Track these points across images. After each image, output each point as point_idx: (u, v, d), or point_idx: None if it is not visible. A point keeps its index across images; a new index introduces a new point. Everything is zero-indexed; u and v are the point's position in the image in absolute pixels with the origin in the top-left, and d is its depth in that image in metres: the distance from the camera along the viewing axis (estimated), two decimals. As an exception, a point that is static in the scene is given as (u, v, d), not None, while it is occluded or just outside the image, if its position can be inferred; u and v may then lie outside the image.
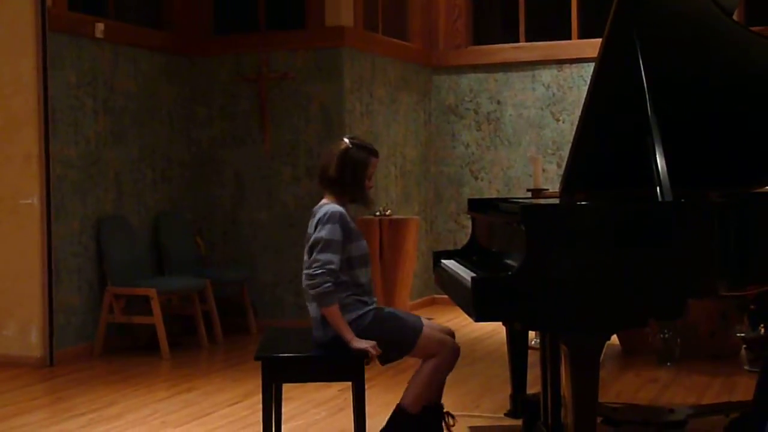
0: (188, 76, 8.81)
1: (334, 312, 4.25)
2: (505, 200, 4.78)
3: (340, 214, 4.31)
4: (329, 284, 4.19)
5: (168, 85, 8.69)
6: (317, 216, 4.34)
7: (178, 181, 8.73)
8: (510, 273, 3.76)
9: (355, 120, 8.65)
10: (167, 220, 8.46)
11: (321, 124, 8.56)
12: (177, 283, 7.86)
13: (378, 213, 8.48)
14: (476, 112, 9.95)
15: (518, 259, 3.81)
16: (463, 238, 9.48)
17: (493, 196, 9.43)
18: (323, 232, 4.24)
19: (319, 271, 4.21)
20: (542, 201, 5.19)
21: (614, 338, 6.76)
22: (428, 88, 10.04)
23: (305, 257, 4.35)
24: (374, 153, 4.44)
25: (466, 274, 4.16)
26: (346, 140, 4.42)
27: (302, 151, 8.65)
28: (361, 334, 4.31)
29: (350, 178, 4.38)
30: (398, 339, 4.38)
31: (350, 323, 4.30)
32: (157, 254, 8.44)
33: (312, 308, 4.39)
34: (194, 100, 8.83)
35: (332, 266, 4.20)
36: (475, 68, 9.88)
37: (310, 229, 4.38)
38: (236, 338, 8.46)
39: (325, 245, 4.24)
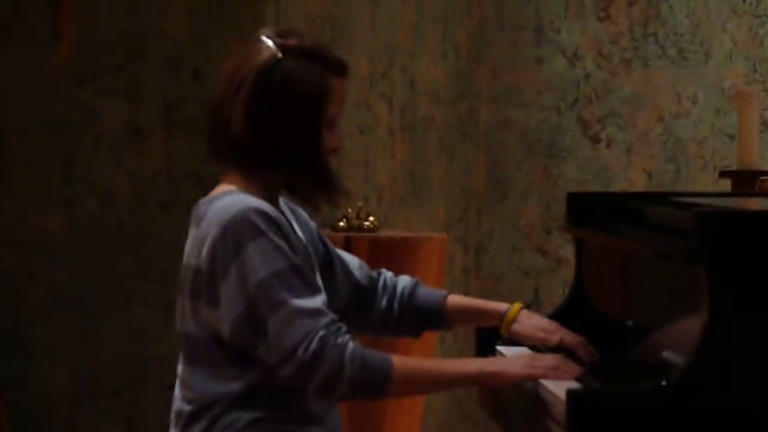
0: None
1: (408, 371, 3.35)
2: (664, 198, 3.97)
3: (258, 213, 3.30)
4: (343, 341, 3.28)
5: None
6: (204, 227, 3.35)
7: None
8: (665, 381, 3.00)
9: None
10: None
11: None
12: None
13: (342, 223, 6.18)
14: None
15: (688, 345, 3.06)
16: (555, 292, 7.37)
17: (637, 186, 7.33)
18: (248, 270, 3.31)
19: (307, 348, 3.27)
20: (756, 202, 4.23)
21: None
22: None
23: (184, 323, 3.41)
24: (338, 66, 3.43)
25: (554, 383, 3.32)
26: (269, 41, 3.42)
27: (153, 65, 6.39)
28: None
29: (284, 133, 3.39)
30: None
31: None
32: None
33: None
34: None
35: (323, 314, 3.30)
36: None
37: (192, 256, 3.36)
38: None
39: (271, 288, 3.31)
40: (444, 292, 3.64)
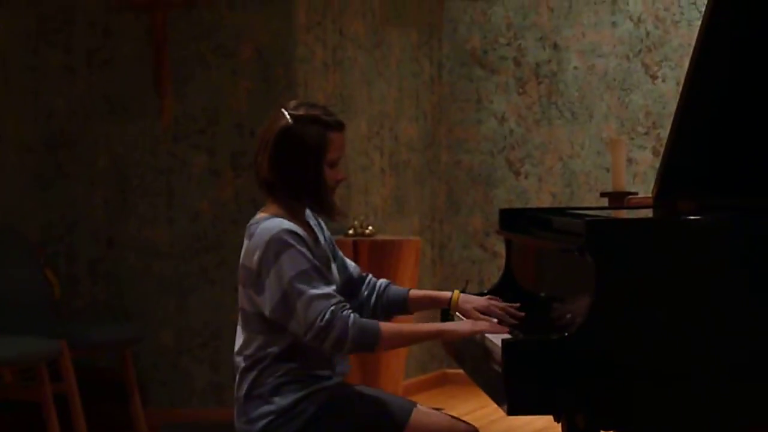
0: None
1: (390, 333, 3.22)
2: (563, 211, 3.93)
3: (288, 232, 3.24)
4: (347, 314, 3.17)
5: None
6: (254, 242, 3.30)
7: (14, 174, 6.76)
8: (567, 333, 2.94)
9: (313, 76, 6.68)
10: None
11: (257, 83, 6.54)
12: (11, 346, 5.80)
13: (351, 231, 6.49)
14: (517, 63, 7.58)
15: (581, 311, 3.01)
16: (492, 274, 7.72)
17: (545, 204, 7.77)
18: (284, 271, 3.21)
19: (322, 318, 3.18)
20: (624, 213, 4.13)
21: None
22: (437, 22, 7.71)
23: (242, 302, 3.31)
24: (334, 125, 3.36)
25: (494, 336, 3.28)
26: (285, 113, 3.36)
27: (224, 129, 6.58)
28: (306, 429, 3.30)
29: (296, 174, 3.32)
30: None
31: (282, 413, 3.26)
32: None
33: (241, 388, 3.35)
34: (42, 38, 6.70)
35: (334, 297, 3.19)
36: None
37: (246, 260, 3.33)
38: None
39: (299, 282, 3.20)
40: (407, 289, 3.60)
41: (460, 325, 3.41)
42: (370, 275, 3.58)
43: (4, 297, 6.41)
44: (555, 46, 7.68)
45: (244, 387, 3.37)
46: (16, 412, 6.48)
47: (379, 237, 6.63)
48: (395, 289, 3.54)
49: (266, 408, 3.33)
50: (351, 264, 3.55)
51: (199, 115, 6.49)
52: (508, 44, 7.76)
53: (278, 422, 3.35)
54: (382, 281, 3.58)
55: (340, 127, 3.41)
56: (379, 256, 6.64)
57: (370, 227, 6.57)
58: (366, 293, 3.55)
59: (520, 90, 7.87)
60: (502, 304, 3.48)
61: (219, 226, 6.46)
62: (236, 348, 3.38)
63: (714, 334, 2.96)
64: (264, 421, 3.38)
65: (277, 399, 3.37)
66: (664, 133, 7.18)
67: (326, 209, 3.43)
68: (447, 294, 3.52)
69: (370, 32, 7.31)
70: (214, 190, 6.49)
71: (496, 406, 3.19)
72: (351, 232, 6.54)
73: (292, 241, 3.28)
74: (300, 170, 3.36)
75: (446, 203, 8.10)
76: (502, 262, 4.21)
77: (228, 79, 6.46)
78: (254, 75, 6.43)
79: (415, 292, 3.55)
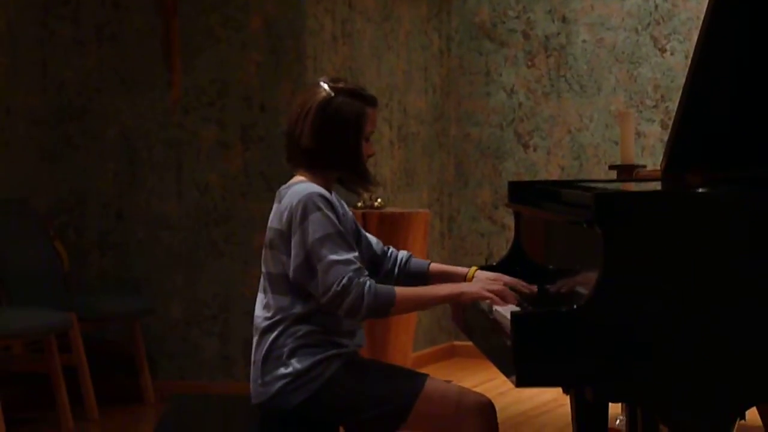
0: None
1: (404, 297, 3.24)
2: (572, 184, 3.84)
3: (319, 196, 3.27)
4: (364, 280, 3.18)
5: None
6: (284, 203, 3.34)
7: (23, 146, 6.57)
8: (575, 306, 2.89)
9: (323, 48, 6.57)
10: (5, 212, 6.30)
11: (266, 56, 6.43)
12: (20, 318, 5.73)
13: (361, 204, 6.37)
14: (526, 36, 7.66)
15: (590, 283, 2.95)
16: (501, 247, 7.70)
17: (554, 176, 7.69)
18: (308, 232, 3.26)
19: (339, 283, 3.19)
20: (633, 186, 4.14)
21: (754, 413, 4.58)
22: None
23: (267, 265, 3.33)
24: (370, 100, 3.44)
25: (503, 307, 3.29)
26: (325, 85, 3.40)
27: (233, 101, 6.47)
28: (320, 395, 3.28)
29: (337, 145, 3.35)
30: (383, 403, 3.32)
31: (298, 376, 3.27)
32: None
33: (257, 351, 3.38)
34: (51, 10, 6.59)
35: (353, 263, 3.21)
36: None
37: (275, 222, 3.36)
38: (121, 412, 6.37)
39: (321, 245, 3.23)
40: (427, 261, 3.63)
41: (473, 285, 3.42)
42: (392, 248, 3.59)
43: (14, 269, 6.27)
44: (564, 18, 7.63)
45: (263, 349, 3.38)
46: (25, 384, 6.39)
47: (388, 210, 6.56)
48: (416, 261, 3.56)
49: (282, 370, 3.34)
50: (373, 240, 3.57)
51: (208, 87, 6.42)
52: (517, 17, 7.71)
53: (294, 385, 3.34)
54: (403, 253, 3.59)
55: (375, 102, 3.46)
56: (388, 228, 6.50)
57: (379, 200, 6.47)
58: (389, 266, 3.56)
59: (529, 63, 7.80)
60: (513, 279, 3.51)
61: (228, 199, 6.38)
62: (256, 311, 3.39)
63: (722, 307, 2.92)
64: (279, 384, 3.37)
65: (293, 361, 3.37)
66: (673, 106, 7.20)
67: (363, 180, 3.46)
68: (465, 270, 3.53)
69: (379, 5, 7.23)
70: (224, 162, 6.42)
71: (505, 378, 3.18)
72: (360, 204, 6.40)
73: (321, 204, 3.30)
74: (341, 141, 3.37)
75: (455, 176, 8.05)
76: (511, 234, 4.18)
77: (237, 52, 6.37)
78: (263, 47, 6.35)
79: (435, 266, 3.57)
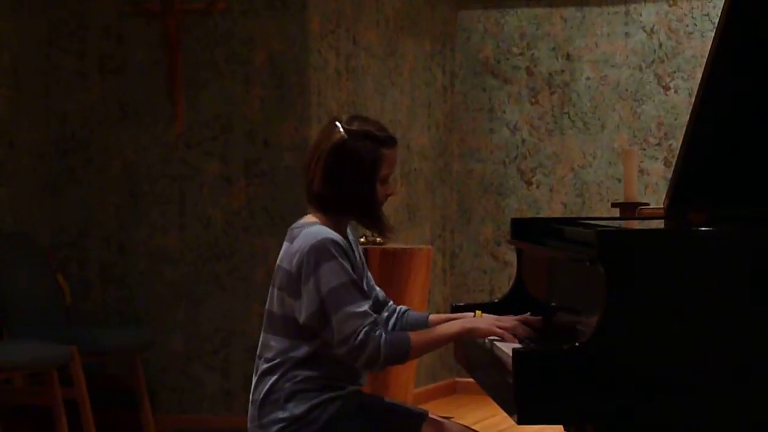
0: (44, 4, 6.66)
1: (419, 341, 3.22)
2: (575, 221, 3.84)
3: (333, 242, 3.21)
4: (380, 333, 3.16)
5: (11, 17, 6.51)
6: (296, 246, 3.27)
7: (26, 179, 6.60)
8: (578, 343, 2.89)
9: (327, 84, 6.59)
10: (7, 245, 6.36)
11: (270, 91, 6.45)
12: (22, 351, 5.81)
13: (363, 239, 6.31)
14: (530, 73, 7.69)
15: (592, 321, 2.95)
16: (503, 284, 7.69)
17: (556, 213, 7.76)
18: (322, 281, 3.19)
19: (356, 338, 3.15)
20: (636, 224, 4.13)
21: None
22: (450, 31, 7.84)
23: (272, 304, 3.29)
24: (387, 141, 3.33)
25: (504, 344, 3.26)
26: (339, 126, 3.31)
27: (237, 136, 6.50)
28: None
29: (349, 190, 3.28)
30: None
31: (294, 420, 3.26)
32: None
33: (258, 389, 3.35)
34: (55, 43, 6.64)
35: (369, 316, 3.16)
36: (529, -2, 8.49)
37: (285, 262, 3.29)
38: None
39: (336, 295, 3.18)
40: (426, 313, 3.59)
41: (484, 321, 3.40)
42: (391, 302, 3.57)
43: (16, 302, 6.31)
44: (568, 56, 7.68)
45: (262, 390, 3.36)
46: (26, 416, 6.40)
47: (390, 245, 6.47)
48: (414, 314, 3.54)
49: (280, 414, 3.33)
50: (377, 287, 3.55)
51: (211, 122, 6.45)
52: (521, 54, 7.76)
53: (290, 429, 3.32)
54: (402, 307, 3.57)
55: (392, 143, 3.39)
56: (390, 264, 6.49)
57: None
58: (386, 314, 3.54)
59: (533, 100, 7.85)
60: (522, 317, 3.49)
61: (231, 234, 6.39)
62: (259, 350, 3.36)
63: (725, 345, 2.91)
64: (276, 427, 3.35)
65: (290, 406, 3.34)
66: (676, 144, 7.30)
67: (377, 225, 3.41)
68: (468, 315, 3.49)
69: (383, 41, 7.27)
70: (226, 197, 6.44)
71: (506, 415, 3.15)
72: (362, 240, 6.36)
73: (335, 252, 3.25)
74: (353, 186, 3.32)
75: (458, 212, 8.05)
76: (513, 271, 4.18)
77: (241, 87, 6.40)
78: (267, 82, 6.37)
79: (434, 317, 3.54)
